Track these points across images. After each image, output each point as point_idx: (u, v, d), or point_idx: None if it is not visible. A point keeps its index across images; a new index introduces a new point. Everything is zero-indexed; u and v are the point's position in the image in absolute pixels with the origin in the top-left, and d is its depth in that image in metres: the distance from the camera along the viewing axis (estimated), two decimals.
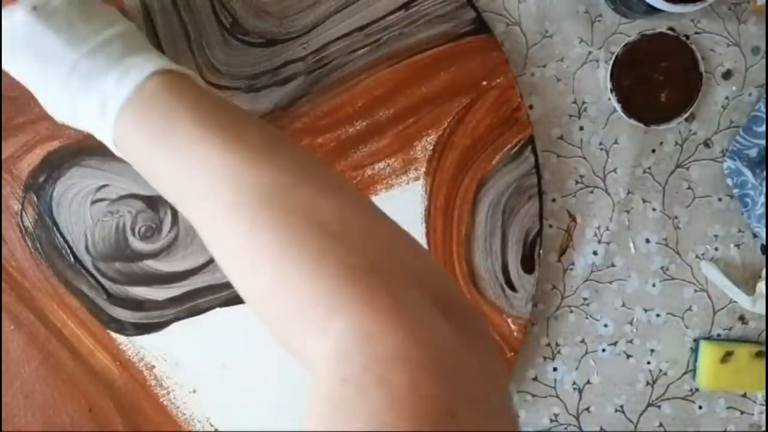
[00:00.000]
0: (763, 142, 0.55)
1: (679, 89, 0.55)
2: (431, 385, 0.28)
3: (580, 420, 0.60)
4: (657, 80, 0.55)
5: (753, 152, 0.56)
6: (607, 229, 0.58)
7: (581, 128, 0.58)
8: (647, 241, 0.58)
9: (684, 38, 0.55)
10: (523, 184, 0.56)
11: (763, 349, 0.58)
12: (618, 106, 0.55)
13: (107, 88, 0.40)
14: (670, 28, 0.56)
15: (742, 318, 0.59)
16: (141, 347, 0.56)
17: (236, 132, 0.37)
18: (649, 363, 0.59)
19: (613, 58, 0.55)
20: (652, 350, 0.59)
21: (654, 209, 0.58)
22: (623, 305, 0.59)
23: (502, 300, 0.56)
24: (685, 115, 0.56)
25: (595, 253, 0.58)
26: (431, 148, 0.56)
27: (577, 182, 0.58)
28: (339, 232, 0.33)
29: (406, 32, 0.55)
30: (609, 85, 0.55)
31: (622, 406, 0.60)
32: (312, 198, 0.34)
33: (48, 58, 0.41)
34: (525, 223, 0.56)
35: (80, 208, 0.56)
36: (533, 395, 0.59)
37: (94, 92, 0.40)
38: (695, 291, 0.59)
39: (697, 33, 0.57)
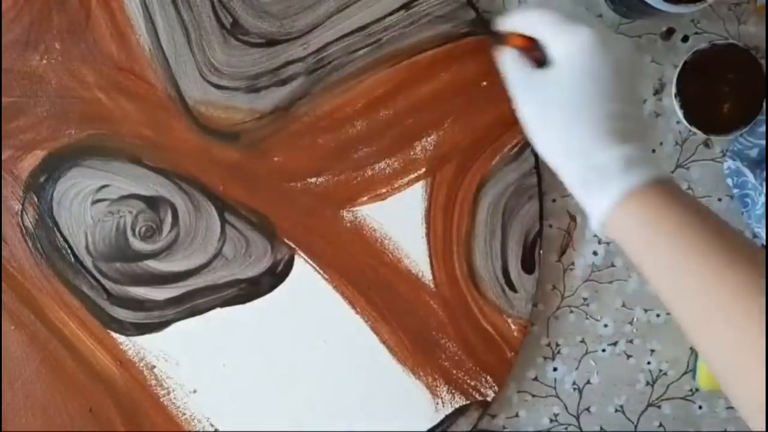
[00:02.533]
0: (764, 142, 0.55)
1: (741, 102, 0.55)
2: None
3: (580, 420, 0.60)
4: (722, 91, 0.55)
5: (753, 152, 0.56)
6: None
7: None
8: None
9: (753, 52, 0.55)
10: (523, 184, 0.56)
11: None
12: (680, 112, 0.55)
13: (618, 163, 0.40)
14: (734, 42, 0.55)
15: None
16: (141, 347, 0.56)
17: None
18: (649, 363, 0.59)
19: (682, 63, 0.55)
20: (652, 350, 0.59)
21: None
22: (623, 305, 0.59)
23: (502, 300, 0.56)
24: (745, 129, 0.55)
25: (595, 253, 0.58)
26: (431, 148, 0.56)
27: None
28: None
29: (406, 32, 0.55)
30: (674, 90, 0.55)
31: (622, 406, 0.60)
32: None
33: (595, 81, 0.41)
34: (525, 223, 0.56)
35: (81, 208, 0.56)
36: (533, 395, 0.59)
37: (603, 156, 0.41)
38: None
39: (697, 33, 0.57)
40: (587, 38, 0.41)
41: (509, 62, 0.45)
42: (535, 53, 0.44)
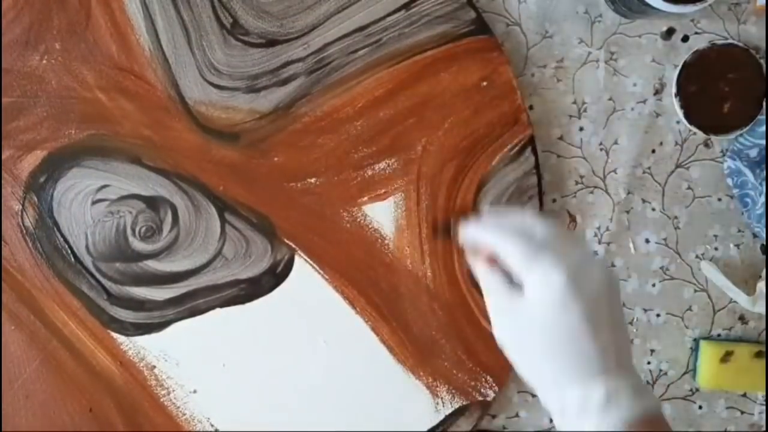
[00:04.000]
0: (764, 142, 0.55)
1: (742, 102, 0.55)
2: None
3: None
4: (722, 90, 0.55)
5: (753, 152, 0.56)
6: (607, 229, 0.58)
7: (581, 128, 0.58)
8: (647, 241, 0.58)
9: (753, 52, 0.55)
10: (524, 184, 0.56)
11: (763, 349, 0.58)
12: (680, 112, 0.55)
13: (599, 398, 0.39)
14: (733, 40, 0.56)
15: (742, 318, 0.59)
16: (141, 347, 0.56)
17: None
18: (649, 363, 0.59)
19: (682, 63, 0.55)
20: (652, 350, 0.59)
21: (654, 209, 0.58)
22: (623, 305, 0.59)
23: None
24: (745, 129, 0.55)
25: (595, 253, 0.58)
26: (432, 148, 0.56)
27: (577, 182, 0.58)
28: None
29: (406, 33, 0.55)
30: (674, 90, 0.55)
31: None
32: None
33: (568, 317, 0.40)
34: None
35: (81, 208, 0.56)
36: (533, 395, 0.59)
37: (576, 397, 0.40)
38: (695, 291, 0.59)
39: (697, 33, 0.57)
40: (556, 279, 0.40)
41: (484, 279, 0.44)
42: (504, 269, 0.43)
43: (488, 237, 0.44)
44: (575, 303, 0.40)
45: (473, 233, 0.46)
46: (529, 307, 0.41)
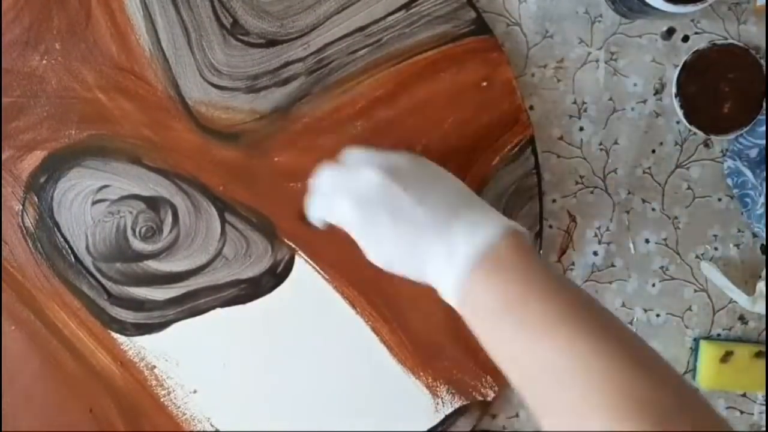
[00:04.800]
0: (764, 142, 0.55)
1: (742, 102, 0.55)
2: None
3: None
4: (722, 91, 0.55)
5: (753, 152, 0.56)
6: (607, 229, 0.58)
7: (581, 129, 0.58)
8: (647, 241, 0.58)
9: (753, 52, 0.55)
10: (524, 184, 0.56)
11: (763, 349, 0.58)
12: (680, 112, 0.55)
13: (456, 241, 0.42)
14: (731, 41, 0.56)
15: (742, 318, 0.59)
16: (142, 347, 0.56)
17: (601, 324, 0.38)
18: None
19: (682, 63, 0.55)
20: None
21: (654, 209, 0.58)
22: (623, 305, 0.59)
23: None
24: (745, 129, 0.55)
25: (595, 253, 0.58)
26: (432, 148, 0.56)
27: (577, 182, 0.58)
28: None
29: (406, 33, 0.55)
30: (674, 90, 0.55)
31: None
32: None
33: (402, 215, 0.44)
34: (525, 223, 0.56)
35: (81, 208, 0.56)
36: None
37: (441, 245, 0.42)
38: (695, 291, 0.59)
39: (697, 33, 0.57)
40: (347, 212, 0.46)
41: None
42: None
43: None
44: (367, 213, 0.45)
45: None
46: (362, 243, 0.46)
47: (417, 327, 0.57)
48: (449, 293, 0.42)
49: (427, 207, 0.43)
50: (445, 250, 0.42)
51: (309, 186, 0.49)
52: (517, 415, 0.59)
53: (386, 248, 0.45)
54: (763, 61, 0.55)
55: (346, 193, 0.45)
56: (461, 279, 0.41)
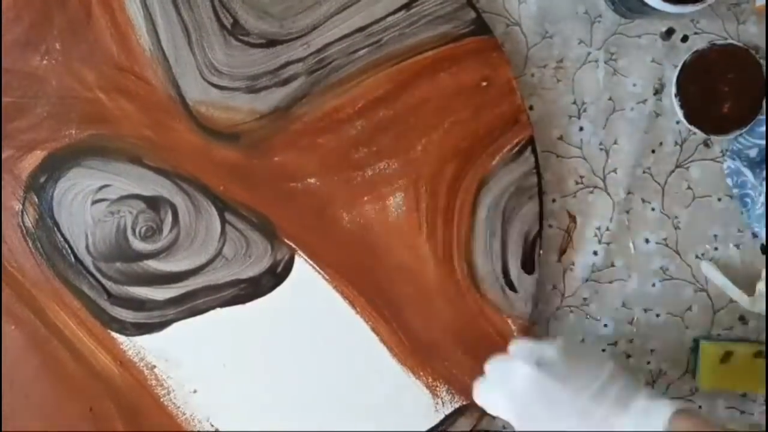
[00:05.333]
0: (764, 142, 0.55)
1: (742, 102, 0.55)
2: None
3: None
4: (722, 91, 0.55)
5: (753, 152, 0.56)
6: (607, 229, 0.58)
7: (581, 128, 0.58)
8: (647, 241, 0.58)
9: (753, 52, 0.55)
10: (523, 184, 0.56)
11: (763, 349, 0.58)
12: (680, 112, 0.55)
13: (635, 414, 0.42)
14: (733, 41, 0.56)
15: (742, 318, 0.59)
16: (141, 347, 0.56)
17: None
18: (649, 363, 0.59)
19: (682, 63, 0.55)
20: (652, 350, 0.59)
21: (654, 209, 0.58)
22: (623, 305, 0.59)
23: (502, 300, 0.56)
24: (745, 129, 0.55)
25: (595, 253, 0.58)
26: (431, 148, 0.56)
27: (577, 182, 0.58)
28: None
29: (406, 33, 0.55)
30: (674, 90, 0.55)
31: None
32: None
33: (557, 407, 0.44)
34: (525, 223, 0.56)
35: (81, 208, 0.56)
36: None
37: (626, 416, 0.42)
38: (695, 291, 0.59)
39: (696, 33, 0.57)
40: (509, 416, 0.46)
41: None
42: None
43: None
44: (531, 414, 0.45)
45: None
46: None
47: (417, 327, 0.57)
48: None
49: (589, 397, 0.43)
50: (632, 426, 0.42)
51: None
52: None
53: None
54: (762, 61, 0.55)
55: (499, 389, 0.47)
56: None
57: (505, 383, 0.46)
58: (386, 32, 0.55)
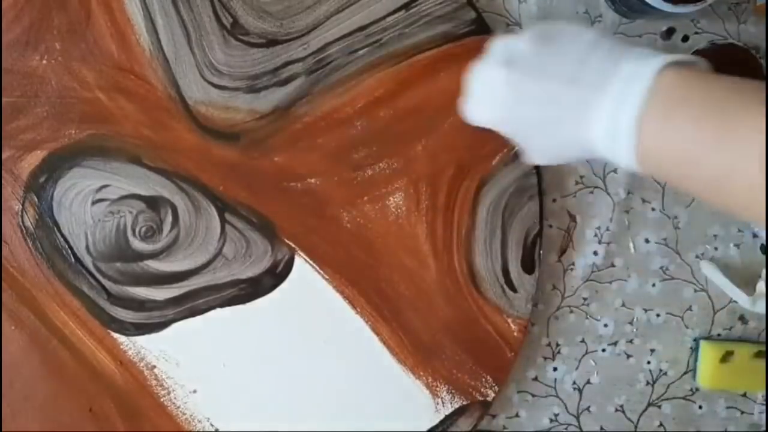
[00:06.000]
0: None
1: None
2: None
3: (580, 420, 0.60)
4: None
5: None
6: (607, 229, 0.58)
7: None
8: (647, 241, 0.58)
9: (753, 52, 0.55)
10: (523, 184, 0.56)
11: (763, 349, 0.58)
12: None
13: (618, 81, 0.37)
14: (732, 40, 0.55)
15: (742, 318, 0.59)
16: (141, 347, 0.56)
17: None
18: (649, 363, 0.59)
19: None
20: (652, 350, 0.59)
21: (654, 209, 0.58)
22: (623, 305, 0.59)
23: (502, 300, 0.56)
24: None
25: (595, 253, 0.58)
26: (432, 148, 0.56)
27: (577, 182, 0.58)
28: None
29: (406, 33, 0.55)
30: None
31: (622, 406, 0.60)
32: None
33: (538, 102, 0.40)
34: (525, 223, 0.56)
35: (81, 208, 0.56)
36: (533, 395, 0.59)
37: (604, 93, 0.37)
38: (695, 291, 0.59)
39: (696, 33, 0.57)
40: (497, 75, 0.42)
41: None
42: None
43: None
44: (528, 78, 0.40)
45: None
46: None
47: (417, 327, 0.57)
48: (629, 157, 0.37)
49: (566, 83, 0.39)
50: (613, 94, 0.37)
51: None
52: (517, 415, 0.59)
53: (539, 139, 0.41)
54: (763, 61, 0.55)
55: (483, 104, 0.43)
56: (637, 117, 0.36)
57: (486, 95, 0.42)
58: (386, 32, 0.55)
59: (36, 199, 0.55)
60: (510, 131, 0.43)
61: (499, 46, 0.43)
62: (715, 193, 0.36)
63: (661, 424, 0.60)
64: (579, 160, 0.41)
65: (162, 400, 0.57)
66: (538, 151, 0.43)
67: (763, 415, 0.60)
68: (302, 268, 0.56)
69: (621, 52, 0.39)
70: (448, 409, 0.57)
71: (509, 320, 0.56)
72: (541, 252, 0.57)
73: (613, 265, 0.59)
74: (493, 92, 0.42)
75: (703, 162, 0.35)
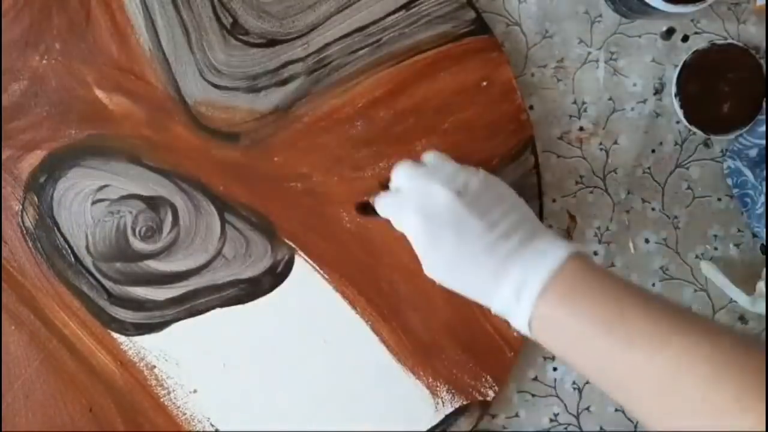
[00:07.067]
0: (764, 142, 0.55)
1: (742, 102, 0.55)
2: None
3: (580, 420, 0.60)
4: (722, 91, 0.55)
5: (753, 152, 0.56)
6: (607, 229, 0.58)
7: (581, 128, 0.58)
8: (647, 241, 0.58)
9: (753, 52, 0.55)
10: (523, 184, 0.56)
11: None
12: (680, 112, 0.55)
13: (526, 266, 0.42)
14: (729, 41, 0.56)
15: (742, 318, 0.59)
16: (141, 347, 0.56)
17: (696, 318, 0.38)
18: None
19: (682, 63, 0.55)
20: None
21: (654, 209, 0.58)
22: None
23: None
24: (745, 129, 0.55)
25: (595, 253, 0.58)
26: (432, 148, 0.56)
27: (577, 182, 0.58)
28: None
29: (406, 33, 0.55)
30: (674, 90, 0.55)
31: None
32: None
33: (466, 238, 0.43)
34: None
35: (81, 208, 0.56)
36: (533, 395, 0.59)
37: (511, 270, 0.42)
38: (695, 291, 0.59)
39: (697, 33, 0.57)
40: (413, 224, 0.45)
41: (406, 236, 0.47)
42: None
43: (380, 210, 0.49)
44: (435, 231, 0.44)
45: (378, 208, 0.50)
46: (421, 255, 0.46)
47: (417, 327, 0.57)
48: (523, 322, 0.42)
49: (497, 234, 0.43)
50: (517, 278, 0.42)
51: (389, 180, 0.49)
52: (517, 415, 0.59)
53: (447, 266, 0.45)
54: (763, 61, 0.55)
55: (414, 206, 0.45)
56: (536, 307, 0.41)
57: (422, 203, 0.45)
58: (386, 32, 0.55)
59: (36, 199, 0.55)
60: (423, 242, 0.46)
61: (448, 169, 0.46)
62: (603, 380, 0.40)
63: None
64: (468, 294, 0.46)
65: (162, 400, 0.57)
66: (435, 267, 0.46)
67: None
68: (302, 268, 0.56)
69: (544, 231, 0.44)
70: (448, 409, 0.57)
71: None
72: None
73: (613, 265, 0.59)
74: (433, 208, 0.45)
75: (592, 350, 0.40)
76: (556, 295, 0.41)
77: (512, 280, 0.42)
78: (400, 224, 0.47)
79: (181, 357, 0.57)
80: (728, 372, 0.35)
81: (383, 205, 0.49)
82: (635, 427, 0.60)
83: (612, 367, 0.39)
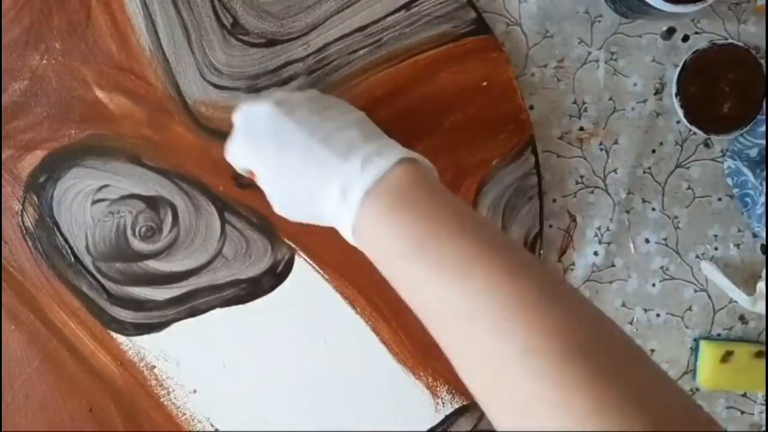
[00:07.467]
0: (764, 142, 0.55)
1: (742, 102, 0.55)
2: None
3: None
4: (722, 91, 0.55)
5: (753, 152, 0.56)
6: (608, 229, 0.58)
7: (581, 128, 0.58)
8: (647, 241, 0.58)
9: (753, 52, 0.55)
10: (524, 184, 0.56)
11: (763, 349, 0.58)
12: (680, 112, 0.55)
13: (349, 172, 0.39)
14: (731, 40, 0.56)
15: (742, 318, 0.59)
16: (141, 347, 0.56)
17: (510, 254, 0.35)
18: None
19: (682, 63, 0.55)
20: (652, 350, 0.59)
21: (654, 209, 0.58)
22: (623, 305, 0.59)
23: None
24: (745, 129, 0.55)
25: (595, 253, 0.58)
26: (431, 148, 0.56)
27: (577, 182, 0.58)
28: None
29: (406, 33, 0.55)
30: (674, 89, 0.55)
31: None
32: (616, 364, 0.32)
33: (287, 146, 0.42)
34: (525, 223, 0.56)
35: (81, 208, 0.56)
36: None
37: (334, 177, 0.40)
38: (695, 291, 0.59)
39: (697, 33, 0.57)
40: (244, 149, 0.45)
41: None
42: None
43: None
44: (261, 153, 0.43)
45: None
46: (262, 178, 0.45)
47: (417, 327, 0.56)
48: (349, 234, 0.40)
49: (318, 140, 0.41)
50: (340, 185, 0.39)
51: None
52: None
53: (279, 189, 0.43)
54: (763, 61, 0.55)
55: (241, 133, 0.44)
56: (360, 217, 0.38)
57: (246, 124, 0.44)
58: (386, 32, 0.55)
59: (36, 199, 0.55)
60: (247, 153, 0.45)
61: (278, 93, 0.45)
62: (413, 305, 0.38)
63: None
64: (313, 221, 0.43)
65: (162, 400, 0.57)
66: (273, 193, 0.45)
67: (763, 415, 0.60)
68: (302, 268, 0.56)
69: (375, 137, 0.43)
70: (448, 409, 0.57)
71: None
72: (542, 252, 0.57)
73: (613, 265, 0.59)
74: (253, 122, 0.44)
75: (403, 271, 0.37)
76: (380, 203, 0.38)
77: (338, 184, 0.39)
78: (235, 159, 0.45)
79: (181, 357, 0.57)
80: (514, 324, 0.32)
81: (226, 153, 0.47)
82: None
83: (419, 292, 0.37)
